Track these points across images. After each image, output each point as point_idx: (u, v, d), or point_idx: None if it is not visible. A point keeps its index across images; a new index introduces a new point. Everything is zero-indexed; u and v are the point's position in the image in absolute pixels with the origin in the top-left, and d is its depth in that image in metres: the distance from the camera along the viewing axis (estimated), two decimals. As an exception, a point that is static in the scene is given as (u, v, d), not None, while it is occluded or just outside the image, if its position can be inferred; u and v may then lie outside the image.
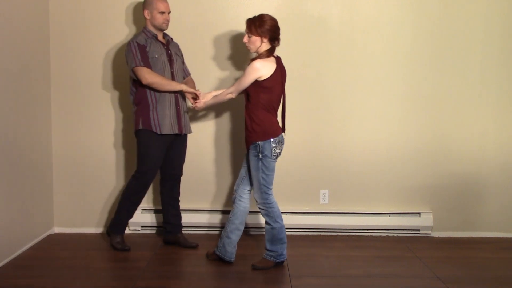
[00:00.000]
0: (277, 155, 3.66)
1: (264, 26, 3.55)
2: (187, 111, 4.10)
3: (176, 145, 4.05)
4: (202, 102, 3.88)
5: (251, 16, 3.66)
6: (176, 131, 3.94)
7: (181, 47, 4.16)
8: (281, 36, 3.66)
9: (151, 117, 3.87)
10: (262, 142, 3.58)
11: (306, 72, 4.42)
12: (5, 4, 3.67)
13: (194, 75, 4.23)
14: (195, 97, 3.92)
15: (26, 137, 3.99)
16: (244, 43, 3.66)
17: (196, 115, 4.44)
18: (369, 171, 4.51)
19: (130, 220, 4.18)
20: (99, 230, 4.50)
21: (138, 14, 4.33)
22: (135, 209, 4.07)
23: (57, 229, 4.48)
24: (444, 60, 4.43)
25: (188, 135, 4.14)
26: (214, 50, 4.40)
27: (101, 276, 3.59)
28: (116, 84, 4.41)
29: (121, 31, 4.36)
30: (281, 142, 3.66)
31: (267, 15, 3.62)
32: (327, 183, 4.53)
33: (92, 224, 4.49)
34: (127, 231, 4.30)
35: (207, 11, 4.37)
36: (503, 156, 4.50)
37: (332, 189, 4.53)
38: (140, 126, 3.88)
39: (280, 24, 3.64)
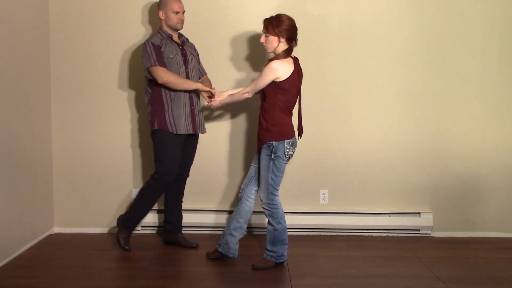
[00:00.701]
0: (289, 157, 3.65)
1: (282, 26, 3.54)
2: (202, 111, 4.08)
3: (188, 145, 4.04)
4: (218, 100, 3.85)
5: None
6: (191, 131, 3.94)
7: (196, 47, 4.14)
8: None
9: (166, 117, 3.85)
10: (276, 142, 3.57)
11: (306, 72, 4.39)
12: (5, 4, 3.67)
13: (210, 76, 4.22)
14: (211, 96, 3.90)
15: (26, 137, 3.99)
16: (261, 43, 3.64)
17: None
18: (369, 171, 4.51)
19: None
20: (99, 230, 4.49)
21: (138, 14, 4.34)
22: (150, 209, 4.07)
23: (57, 229, 4.48)
24: (444, 60, 4.43)
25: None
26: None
27: (101, 276, 3.59)
28: (117, 84, 4.40)
29: (121, 30, 4.35)
30: (294, 145, 3.66)
31: (284, 14, 3.60)
32: (327, 183, 4.53)
33: (92, 224, 4.49)
34: (127, 231, 4.31)
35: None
36: (503, 156, 4.50)
37: (332, 189, 4.53)
38: (156, 127, 3.87)
39: (280, 24, 3.62)
